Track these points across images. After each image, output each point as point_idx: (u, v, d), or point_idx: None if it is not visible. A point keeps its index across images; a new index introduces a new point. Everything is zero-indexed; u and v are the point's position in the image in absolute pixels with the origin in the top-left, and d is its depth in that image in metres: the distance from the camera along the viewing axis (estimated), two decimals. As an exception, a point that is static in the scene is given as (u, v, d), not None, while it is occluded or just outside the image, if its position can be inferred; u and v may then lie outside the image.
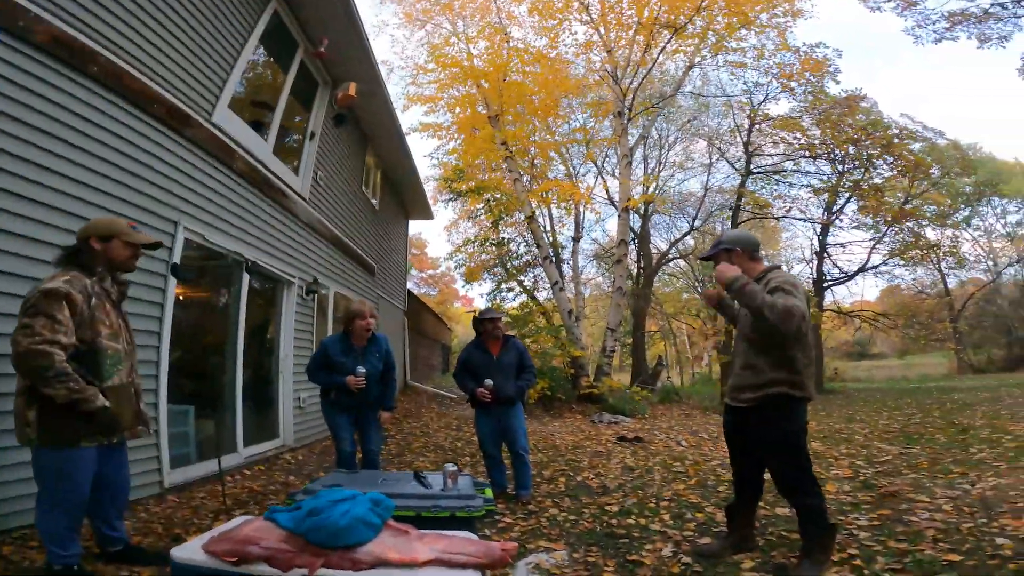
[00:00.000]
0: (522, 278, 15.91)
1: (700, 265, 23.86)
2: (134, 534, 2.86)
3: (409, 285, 15.37)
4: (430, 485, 2.50)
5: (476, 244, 16.13)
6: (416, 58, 13.93)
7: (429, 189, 14.26)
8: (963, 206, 19.95)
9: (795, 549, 2.71)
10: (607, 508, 3.66)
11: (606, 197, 17.44)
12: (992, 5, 10.71)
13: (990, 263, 27.08)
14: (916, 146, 13.64)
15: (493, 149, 11.70)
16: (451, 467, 2.51)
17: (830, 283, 16.54)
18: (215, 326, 5.02)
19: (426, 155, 31.77)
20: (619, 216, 12.15)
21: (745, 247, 2.66)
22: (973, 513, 3.13)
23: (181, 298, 4.11)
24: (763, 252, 3.01)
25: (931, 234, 15.25)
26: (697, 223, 19.64)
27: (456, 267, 17.25)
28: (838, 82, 15.28)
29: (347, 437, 3.69)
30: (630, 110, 11.71)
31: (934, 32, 11.62)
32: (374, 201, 9.73)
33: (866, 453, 5.34)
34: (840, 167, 14.17)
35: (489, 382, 3.92)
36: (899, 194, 14.39)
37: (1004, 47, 11.47)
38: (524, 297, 15.22)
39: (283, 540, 1.60)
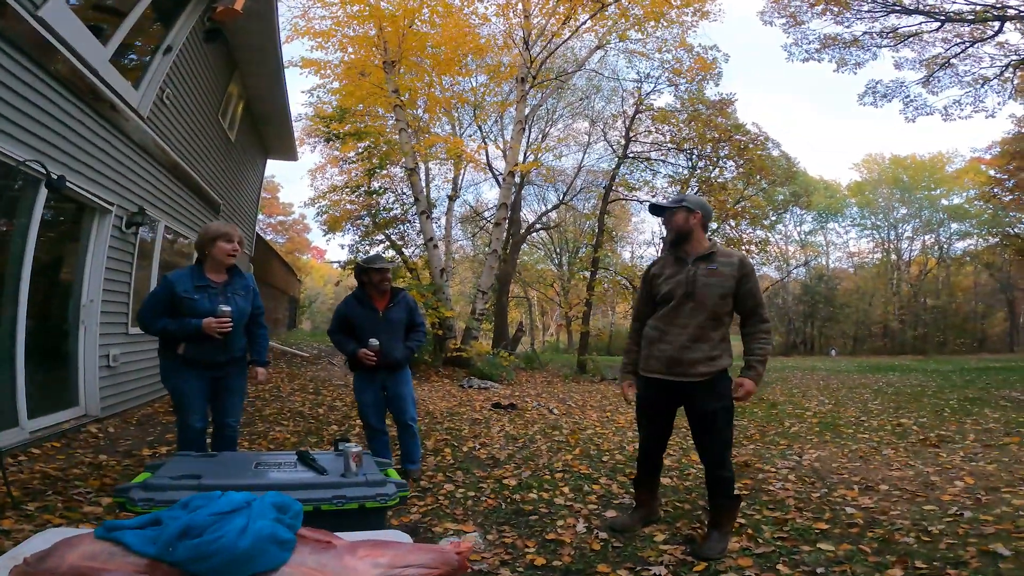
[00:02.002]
0: (390, 232, 15.09)
1: (558, 238, 25.15)
2: None
3: (257, 230, 13.64)
4: (324, 469, 2.00)
5: (346, 191, 14.84)
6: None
7: (297, 128, 12.93)
8: (771, 212, 23.46)
9: (693, 520, 2.78)
10: (504, 482, 3.54)
11: (485, 163, 17.21)
12: (863, 34, 12.40)
13: (782, 263, 32.69)
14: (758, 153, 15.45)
15: (381, 96, 10.87)
16: (353, 446, 2.01)
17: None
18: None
19: (303, 91, 28.43)
20: (503, 179, 12.02)
21: (704, 215, 2.62)
22: (813, 483, 3.63)
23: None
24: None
25: (745, 234, 17.52)
26: (566, 198, 20.37)
27: (318, 214, 15.70)
28: (717, 84, 16.69)
29: (198, 409, 2.80)
30: (534, 78, 11.54)
31: (806, 52, 13.21)
32: (230, 132, 8.50)
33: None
34: (697, 163, 15.49)
35: (375, 342, 3.34)
36: (730, 196, 16.27)
37: (856, 73, 13.56)
38: (391, 252, 14.45)
39: (142, 573, 1.05)
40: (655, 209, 2.68)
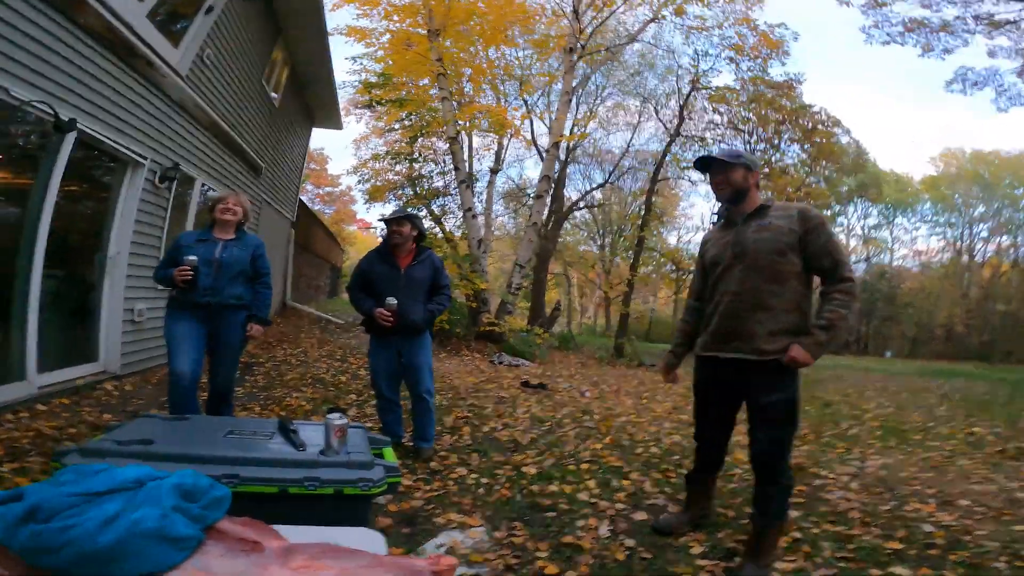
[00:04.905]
0: (432, 203, 14.93)
1: (602, 219, 24.41)
2: None
3: (303, 198, 13.71)
4: (303, 443, 1.71)
5: (387, 159, 14.70)
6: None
7: (342, 97, 12.89)
8: (834, 203, 21.97)
9: (738, 529, 2.39)
10: (523, 470, 3.20)
11: (529, 138, 16.72)
12: (955, 19, 11.25)
13: (842, 257, 30.80)
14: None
15: (424, 65, 10.59)
16: (338, 417, 1.70)
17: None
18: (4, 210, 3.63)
19: (347, 58, 28.58)
20: (547, 152, 11.50)
21: (758, 174, 2.25)
22: (881, 494, 3.14)
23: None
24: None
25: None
26: (612, 178, 19.63)
27: (359, 182, 15.68)
28: (784, 64, 15.58)
29: (184, 352, 2.71)
30: (583, 47, 10.96)
31: (887, 35, 12.05)
32: (275, 96, 8.46)
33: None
34: (756, 144, 14.52)
35: (392, 301, 3.05)
36: (791, 182, 15.23)
37: (944, 59, 12.56)
38: (431, 224, 14.30)
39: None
40: (705, 163, 2.21)
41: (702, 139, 14.56)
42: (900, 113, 52.44)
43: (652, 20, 12.28)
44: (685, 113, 14.14)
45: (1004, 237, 29.85)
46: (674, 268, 19.90)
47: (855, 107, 51.20)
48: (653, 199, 15.64)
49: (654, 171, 14.95)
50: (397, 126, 14.09)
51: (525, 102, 15.99)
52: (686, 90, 14.16)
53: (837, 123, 14.34)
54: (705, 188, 22.05)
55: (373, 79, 13.30)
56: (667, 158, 14.65)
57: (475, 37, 11.05)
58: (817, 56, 45.80)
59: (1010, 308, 28.75)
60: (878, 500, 3.01)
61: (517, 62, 13.67)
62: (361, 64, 13.78)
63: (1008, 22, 10.95)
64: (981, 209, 30.19)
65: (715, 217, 2.64)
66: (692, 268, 18.60)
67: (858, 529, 2.51)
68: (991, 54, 11.72)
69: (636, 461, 3.53)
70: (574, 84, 12.08)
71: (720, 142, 14.54)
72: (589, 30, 11.10)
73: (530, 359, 9.20)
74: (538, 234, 11.72)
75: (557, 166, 16.35)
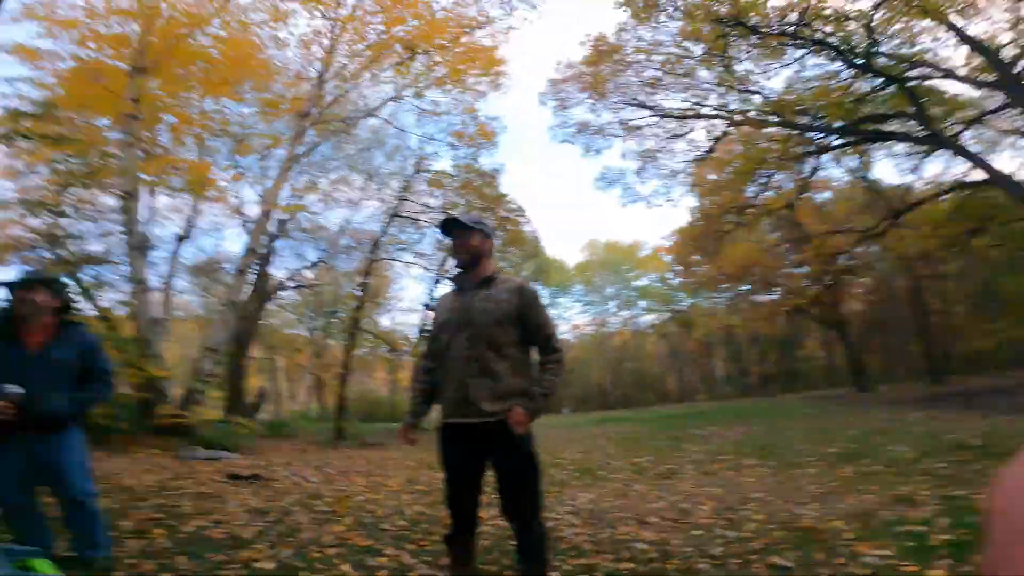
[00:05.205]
0: (80, 272, 11.58)
1: (313, 300, 23.10)
2: None
3: None
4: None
5: (17, 208, 11.02)
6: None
7: None
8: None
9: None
10: (257, 566, 2.62)
11: (235, 205, 15.07)
12: (607, 123, 14.94)
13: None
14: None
15: (111, 103, 8.87)
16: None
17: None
18: None
19: None
20: (256, 222, 10.50)
21: (493, 242, 2.44)
22: (597, 524, 3.64)
23: None
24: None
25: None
26: (327, 256, 18.93)
27: (-36, 236, 11.25)
28: (492, 154, 17.78)
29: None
30: (320, 114, 10.65)
31: (564, 135, 15.22)
32: None
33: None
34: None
35: (13, 389, 2.24)
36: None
37: (600, 153, 16.28)
38: (82, 299, 11.05)
39: None
40: (449, 226, 2.33)
41: (416, 220, 15.56)
42: (565, 203, 65.78)
43: (394, 99, 12.65)
44: (405, 194, 14.99)
45: (626, 312, 40.35)
46: (390, 349, 19.86)
47: (536, 199, 62.46)
48: (368, 280, 15.73)
49: (371, 250, 15.16)
50: (45, 170, 10.81)
51: (236, 163, 14.44)
52: (409, 171, 15.10)
53: (523, 212, 17.25)
54: (418, 270, 23.33)
55: (27, 108, 10.12)
56: (384, 238, 15.08)
57: (194, 83, 9.68)
58: (514, 149, 54.62)
59: (636, 366, 38.60)
60: (598, 530, 3.47)
61: (239, 118, 12.36)
62: (16, 88, 10.41)
63: (637, 128, 15.08)
64: (611, 289, 40.15)
65: (430, 298, 2.80)
66: (406, 349, 19.05)
67: (595, 559, 2.82)
68: (623, 156, 15.92)
69: (385, 536, 3.28)
70: (300, 151, 11.55)
71: (433, 226, 15.81)
72: (329, 98, 10.94)
73: (233, 450, 7.77)
74: (237, 314, 10.36)
75: (265, 239, 15.00)
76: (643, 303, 39.00)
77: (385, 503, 4.35)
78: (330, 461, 7.46)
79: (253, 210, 13.97)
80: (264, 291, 16.56)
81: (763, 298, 23.75)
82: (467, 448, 2.18)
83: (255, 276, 16.41)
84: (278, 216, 14.40)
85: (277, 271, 17.96)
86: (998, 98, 11.64)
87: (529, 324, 2.24)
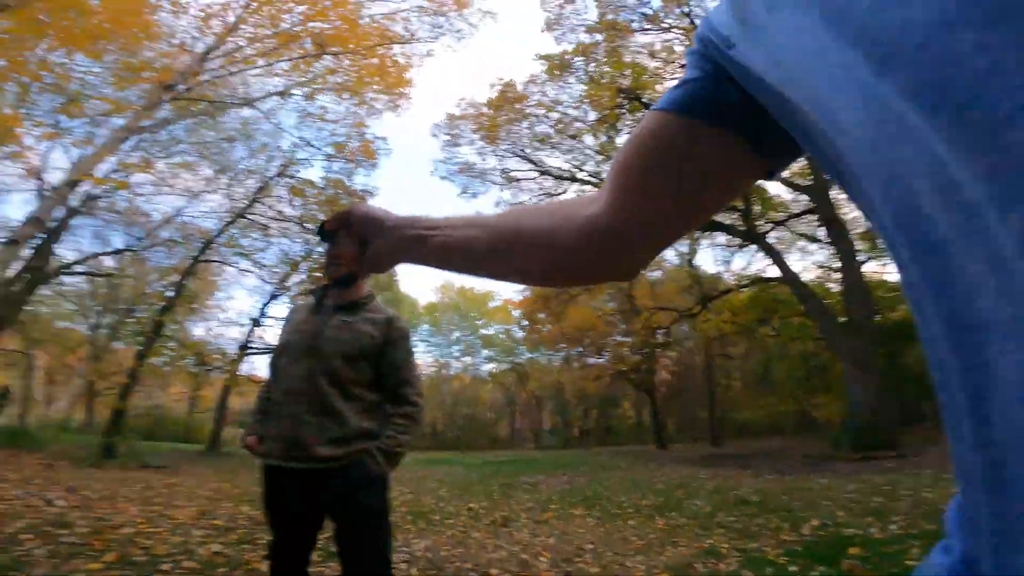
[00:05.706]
0: None
1: (107, 294, 19.19)
2: None
3: None
4: None
5: None
6: None
7: None
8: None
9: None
10: None
11: (36, 165, 12.16)
12: (491, 169, 15.37)
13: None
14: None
15: None
16: None
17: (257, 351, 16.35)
18: None
19: None
20: (57, 189, 8.55)
21: None
22: (436, 574, 3.38)
23: None
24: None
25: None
26: (137, 244, 16.01)
27: None
28: (369, 175, 16.86)
29: None
30: (188, 91, 9.10)
31: (447, 171, 15.22)
32: None
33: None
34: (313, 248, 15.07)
35: None
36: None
37: (476, 197, 16.75)
38: None
39: None
40: (328, 232, 1.93)
41: (266, 228, 14.03)
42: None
43: (280, 94, 11.47)
44: (261, 196, 13.46)
45: (468, 357, 40.62)
46: (197, 363, 17.02)
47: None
48: (186, 281, 13.63)
49: (200, 249, 13.21)
50: None
51: (58, 123, 11.63)
52: (272, 173, 13.62)
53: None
54: (254, 281, 20.97)
55: None
56: (220, 238, 13.29)
57: (52, 31, 7.70)
58: (395, 174, 53.19)
59: (470, 411, 38.65)
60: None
61: (88, 77, 10.02)
62: None
63: (516, 180, 15.62)
64: (458, 334, 40.28)
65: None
66: (218, 365, 16.60)
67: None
68: (497, 204, 16.22)
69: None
70: (145, 124, 9.70)
71: (284, 237, 14.38)
72: (206, 77, 9.53)
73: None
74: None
75: (62, 212, 12.22)
76: (486, 352, 39.72)
77: (168, 539, 3.45)
78: (90, 483, 5.91)
79: (57, 176, 11.34)
80: (41, 272, 13.38)
81: (593, 360, 25.72)
82: (299, 494, 1.73)
83: (33, 251, 13.23)
84: (88, 189, 11.95)
85: (67, 251, 14.77)
86: (802, 202, 14.01)
87: (387, 363, 1.86)
